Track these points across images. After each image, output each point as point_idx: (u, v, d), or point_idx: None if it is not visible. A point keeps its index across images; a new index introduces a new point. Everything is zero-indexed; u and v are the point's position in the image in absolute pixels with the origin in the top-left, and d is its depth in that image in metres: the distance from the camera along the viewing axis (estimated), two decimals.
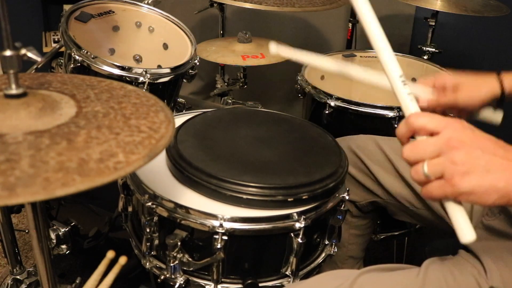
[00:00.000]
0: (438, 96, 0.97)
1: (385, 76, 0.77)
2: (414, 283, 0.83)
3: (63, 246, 1.31)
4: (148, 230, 0.95)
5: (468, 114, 1.03)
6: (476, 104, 1.00)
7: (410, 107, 0.74)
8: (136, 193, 0.98)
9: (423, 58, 1.82)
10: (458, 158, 0.65)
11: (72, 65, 1.34)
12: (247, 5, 1.54)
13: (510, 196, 0.65)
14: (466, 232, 0.68)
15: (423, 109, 0.81)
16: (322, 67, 0.96)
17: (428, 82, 0.99)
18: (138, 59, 1.61)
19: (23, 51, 0.67)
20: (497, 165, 0.66)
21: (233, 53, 1.74)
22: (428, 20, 1.93)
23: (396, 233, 1.52)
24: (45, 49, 2.56)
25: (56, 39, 2.60)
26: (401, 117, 1.40)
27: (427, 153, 0.67)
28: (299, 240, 0.92)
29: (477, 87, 1.00)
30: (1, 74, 0.73)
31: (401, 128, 0.71)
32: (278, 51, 0.93)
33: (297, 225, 0.91)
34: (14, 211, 1.36)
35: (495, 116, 1.06)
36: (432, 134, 0.68)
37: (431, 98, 0.97)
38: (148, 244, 0.97)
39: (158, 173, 1.01)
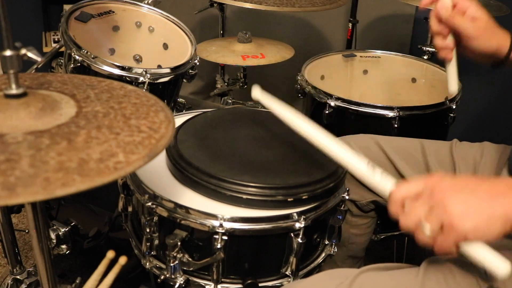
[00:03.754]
0: (455, 14, 0.98)
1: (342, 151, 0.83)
2: (414, 283, 0.83)
3: (63, 246, 1.31)
4: (148, 230, 0.95)
5: (462, 49, 1.02)
6: (480, 48, 0.99)
7: (386, 187, 0.78)
8: (136, 193, 0.98)
9: (423, 58, 1.82)
10: (449, 204, 0.69)
11: (72, 65, 1.34)
12: (247, 5, 1.54)
13: None
14: (499, 265, 0.70)
15: (438, 15, 0.96)
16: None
17: None
18: (138, 59, 1.61)
19: (23, 51, 0.67)
20: (486, 197, 0.69)
21: (233, 53, 1.74)
22: (428, 20, 1.92)
23: (396, 233, 1.52)
24: (45, 49, 2.57)
25: (56, 39, 2.61)
26: (401, 117, 1.40)
27: (420, 214, 0.71)
28: (299, 240, 0.92)
29: (492, 32, 0.99)
30: (1, 74, 0.73)
31: (391, 208, 0.75)
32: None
33: (297, 225, 0.91)
34: (14, 211, 1.36)
35: (454, 80, 1.06)
36: (417, 197, 0.72)
37: (450, 7, 0.99)
38: (148, 244, 0.97)
39: (158, 173, 1.01)
